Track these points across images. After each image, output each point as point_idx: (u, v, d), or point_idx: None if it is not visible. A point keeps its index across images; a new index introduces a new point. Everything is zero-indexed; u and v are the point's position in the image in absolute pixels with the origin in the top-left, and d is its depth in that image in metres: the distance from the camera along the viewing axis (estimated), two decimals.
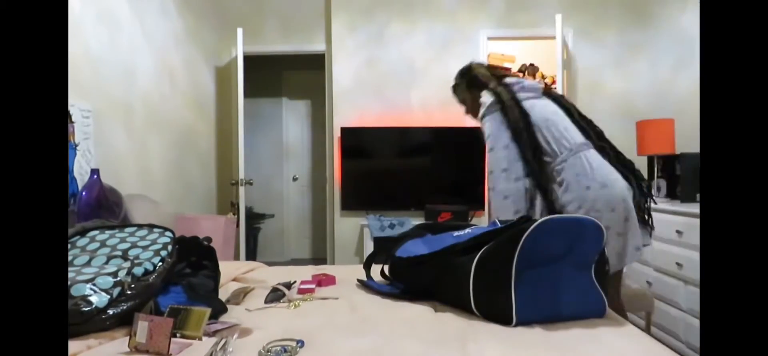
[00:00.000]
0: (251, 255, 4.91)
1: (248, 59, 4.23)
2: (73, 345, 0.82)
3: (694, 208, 2.36)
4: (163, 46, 3.41)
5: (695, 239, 2.26)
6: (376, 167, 4.43)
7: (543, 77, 4.86)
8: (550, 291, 0.92)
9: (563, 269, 0.94)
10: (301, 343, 0.83)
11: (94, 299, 0.89)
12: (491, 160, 1.65)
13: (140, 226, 1.16)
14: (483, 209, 4.41)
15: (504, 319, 0.91)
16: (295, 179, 6.17)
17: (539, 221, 0.90)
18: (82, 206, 1.50)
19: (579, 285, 0.96)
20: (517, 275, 0.90)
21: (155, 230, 1.15)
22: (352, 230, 4.48)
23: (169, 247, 1.07)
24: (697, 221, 2.24)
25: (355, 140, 4.40)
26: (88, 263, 1.00)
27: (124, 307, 0.92)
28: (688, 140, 3.23)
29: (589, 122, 1.70)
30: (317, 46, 4.62)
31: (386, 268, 1.31)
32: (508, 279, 0.90)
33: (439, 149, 4.42)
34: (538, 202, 1.57)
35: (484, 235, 1.02)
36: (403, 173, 4.40)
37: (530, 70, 4.92)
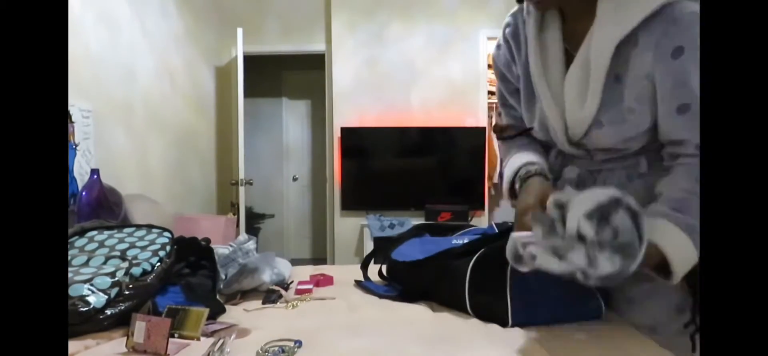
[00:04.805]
0: None
1: (248, 59, 4.23)
2: (71, 346, 0.82)
3: None
4: (163, 46, 3.42)
5: None
6: (376, 167, 4.43)
7: None
8: (546, 292, 0.92)
9: None
10: (299, 343, 0.83)
11: (91, 299, 0.89)
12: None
13: (139, 226, 1.17)
14: (483, 209, 4.41)
15: (500, 321, 0.91)
16: (295, 179, 6.18)
17: None
18: (82, 206, 1.50)
19: (576, 286, 0.96)
20: (512, 276, 0.90)
21: (154, 230, 1.15)
22: (352, 230, 4.48)
23: (168, 247, 1.08)
24: None
25: (355, 140, 4.40)
26: (86, 264, 1.00)
27: (122, 307, 0.92)
28: None
29: None
30: (317, 46, 4.62)
31: (384, 268, 1.32)
32: (503, 281, 0.90)
33: (439, 149, 4.42)
34: None
35: (480, 240, 1.02)
36: (403, 173, 4.40)
37: None
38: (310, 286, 1.24)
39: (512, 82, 1.08)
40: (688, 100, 0.83)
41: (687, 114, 0.84)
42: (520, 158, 1.03)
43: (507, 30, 1.06)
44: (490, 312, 0.93)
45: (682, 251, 0.81)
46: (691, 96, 0.83)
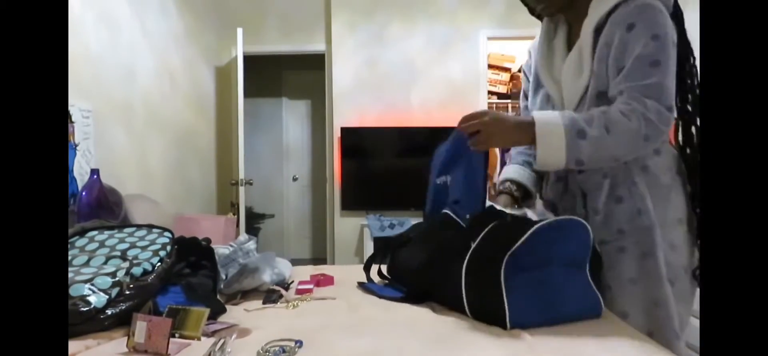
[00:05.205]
0: None
1: (248, 59, 4.23)
2: (72, 346, 0.82)
3: None
4: (163, 46, 3.42)
5: None
6: (376, 167, 4.43)
7: None
8: (543, 292, 0.92)
9: (556, 270, 0.93)
10: (299, 343, 0.83)
11: (92, 299, 0.89)
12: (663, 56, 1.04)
13: (139, 226, 1.16)
14: (483, 208, 4.41)
15: (498, 323, 0.91)
16: (295, 179, 6.18)
17: (535, 227, 0.90)
18: (82, 207, 1.50)
19: (574, 285, 0.96)
20: (506, 279, 0.89)
21: (154, 230, 1.15)
22: (352, 230, 4.48)
23: (168, 247, 1.07)
24: None
25: (355, 140, 4.40)
26: (86, 264, 1.00)
27: (123, 307, 0.92)
28: None
29: None
30: (317, 46, 4.62)
31: (384, 268, 1.32)
32: (498, 282, 0.89)
33: None
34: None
35: (472, 229, 1.01)
36: (403, 173, 4.40)
37: None
38: (310, 286, 1.24)
39: (528, 81, 1.34)
40: (625, 64, 1.05)
41: (620, 75, 1.05)
42: (507, 172, 1.41)
43: (533, 41, 1.32)
44: (487, 314, 0.92)
45: (546, 119, 1.05)
46: (627, 61, 1.04)
